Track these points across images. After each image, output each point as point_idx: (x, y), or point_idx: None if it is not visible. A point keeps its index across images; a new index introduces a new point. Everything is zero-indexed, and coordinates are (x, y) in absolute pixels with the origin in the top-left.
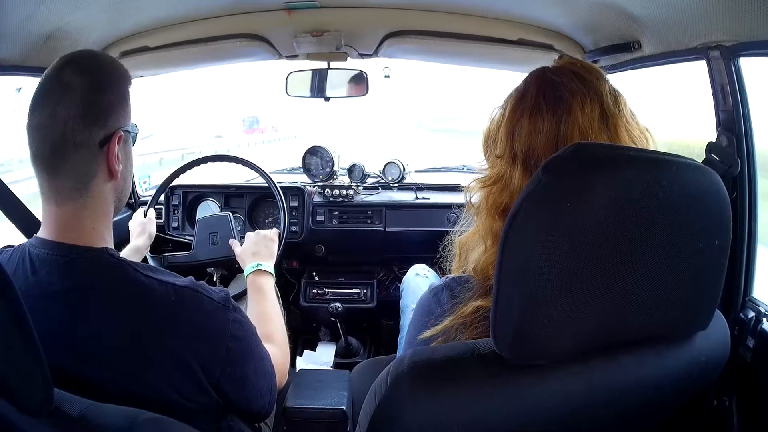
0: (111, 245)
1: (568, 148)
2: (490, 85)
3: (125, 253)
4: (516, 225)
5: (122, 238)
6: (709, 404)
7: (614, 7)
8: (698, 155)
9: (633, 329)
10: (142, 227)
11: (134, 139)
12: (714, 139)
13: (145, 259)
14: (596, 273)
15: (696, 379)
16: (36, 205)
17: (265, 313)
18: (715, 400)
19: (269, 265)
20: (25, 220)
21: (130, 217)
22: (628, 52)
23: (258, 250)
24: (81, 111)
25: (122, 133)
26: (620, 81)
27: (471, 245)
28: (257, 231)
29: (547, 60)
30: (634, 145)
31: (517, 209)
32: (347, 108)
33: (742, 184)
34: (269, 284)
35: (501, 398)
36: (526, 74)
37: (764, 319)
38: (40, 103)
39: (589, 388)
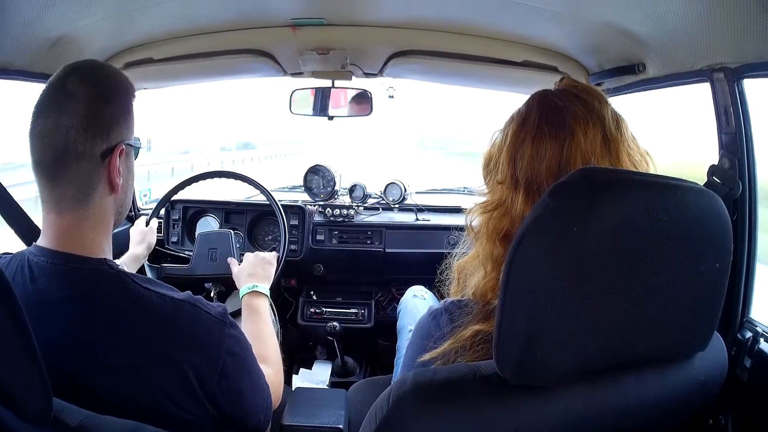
0: (110, 257)
1: (574, 173)
2: (487, 106)
3: (123, 260)
4: (522, 248)
5: (121, 249)
6: (706, 423)
7: (619, 29)
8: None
9: (635, 351)
10: (143, 236)
11: (137, 153)
12: (716, 162)
13: (142, 268)
14: (601, 296)
15: (694, 399)
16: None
17: (260, 334)
18: (711, 419)
19: (265, 287)
20: (25, 228)
21: (127, 230)
22: (632, 74)
23: (255, 272)
24: (84, 122)
25: (124, 146)
26: (621, 102)
27: (470, 270)
28: (256, 253)
29: (551, 82)
30: (635, 169)
31: (524, 233)
32: (346, 127)
33: (742, 207)
34: (264, 306)
35: (503, 419)
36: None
37: (761, 340)
38: (43, 110)
39: (591, 409)
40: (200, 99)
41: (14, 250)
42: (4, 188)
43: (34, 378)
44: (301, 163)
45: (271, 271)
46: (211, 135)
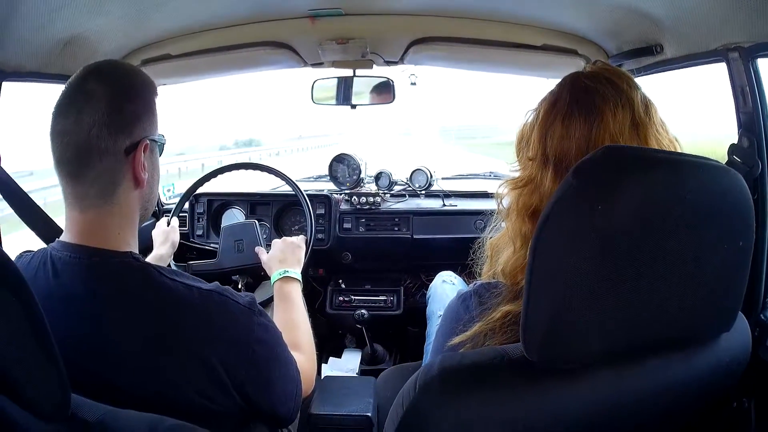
0: (136, 251)
1: (598, 151)
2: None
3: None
4: (547, 229)
5: (145, 245)
6: (729, 405)
7: (637, 10)
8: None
9: (661, 331)
10: (165, 236)
11: (161, 149)
12: (735, 141)
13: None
14: (626, 275)
15: (719, 381)
16: None
17: (292, 320)
18: (735, 401)
19: (296, 272)
20: (45, 228)
21: (153, 225)
22: (650, 55)
23: (285, 257)
24: (105, 118)
25: (148, 141)
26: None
27: (500, 247)
28: (284, 238)
29: (571, 65)
30: None
31: (549, 213)
32: (359, 121)
33: (762, 185)
34: (296, 291)
35: (530, 403)
36: (550, 79)
37: None
38: (63, 109)
39: (618, 392)
40: (201, 96)
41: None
42: (23, 190)
43: (50, 375)
44: (316, 159)
45: (301, 255)
46: (212, 133)
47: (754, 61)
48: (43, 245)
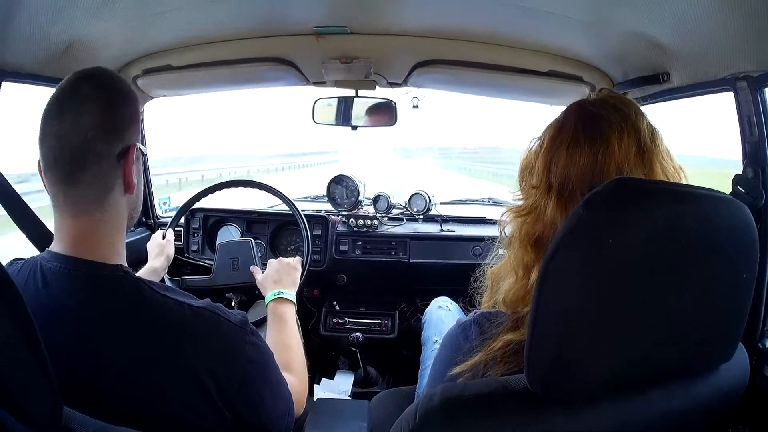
0: (125, 262)
1: (608, 184)
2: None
3: (142, 274)
4: (556, 261)
5: (139, 258)
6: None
7: (644, 37)
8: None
9: (664, 362)
10: (160, 249)
11: (144, 158)
12: (740, 172)
13: (162, 281)
14: (634, 309)
15: (717, 409)
16: None
17: (285, 341)
18: (730, 428)
19: (291, 294)
20: (38, 233)
21: (148, 237)
22: (657, 83)
23: (280, 278)
24: (102, 122)
25: (138, 147)
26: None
27: (501, 276)
28: (280, 258)
29: (576, 92)
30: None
31: (558, 245)
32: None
33: (766, 216)
34: (290, 313)
35: None
36: (555, 106)
37: None
38: (57, 113)
39: (621, 423)
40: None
41: (26, 256)
42: (18, 195)
43: (41, 386)
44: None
45: (297, 277)
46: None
47: (762, 91)
48: (35, 251)
